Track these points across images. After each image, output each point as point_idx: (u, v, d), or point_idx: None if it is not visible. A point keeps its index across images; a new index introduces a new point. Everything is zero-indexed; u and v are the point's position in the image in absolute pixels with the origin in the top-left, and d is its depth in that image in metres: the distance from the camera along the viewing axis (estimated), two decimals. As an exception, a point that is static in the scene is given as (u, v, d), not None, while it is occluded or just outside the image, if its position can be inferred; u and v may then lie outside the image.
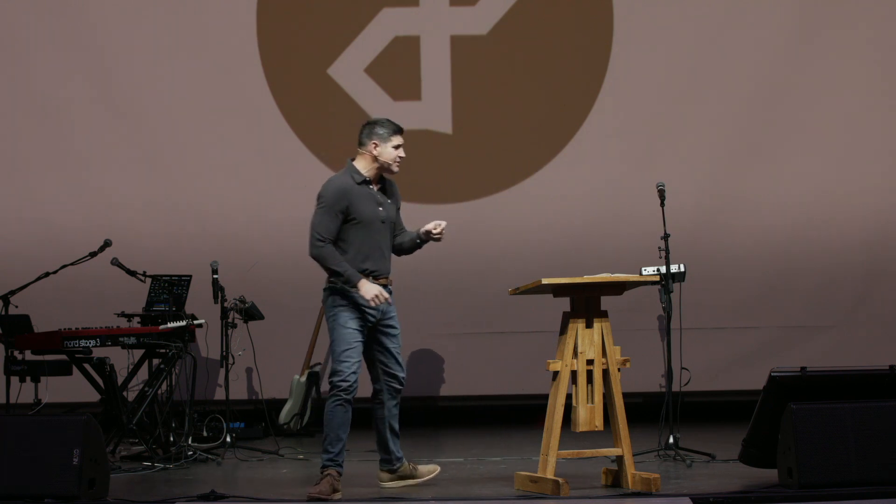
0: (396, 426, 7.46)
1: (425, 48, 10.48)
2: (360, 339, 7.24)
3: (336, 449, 7.18)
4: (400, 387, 7.41)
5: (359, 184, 7.31)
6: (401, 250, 7.54)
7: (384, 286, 7.25)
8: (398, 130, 7.38)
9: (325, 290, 7.32)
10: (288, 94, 10.47)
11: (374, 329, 7.32)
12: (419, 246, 7.53)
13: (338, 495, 7.11)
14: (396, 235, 7.49)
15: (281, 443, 9.19)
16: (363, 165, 7.37)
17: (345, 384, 7.16)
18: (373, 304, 7.13)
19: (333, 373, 7.22)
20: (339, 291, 7.24)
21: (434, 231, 7.39)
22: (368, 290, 7.13)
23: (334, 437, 7.19)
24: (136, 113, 10.39)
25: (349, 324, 7.21)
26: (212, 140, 10.42)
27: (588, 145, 10.43)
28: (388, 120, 7.43)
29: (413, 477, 7.50)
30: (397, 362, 7.39)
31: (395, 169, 7.38)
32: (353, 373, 7.18)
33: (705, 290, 10.00)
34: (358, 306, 7.22)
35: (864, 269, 10.36)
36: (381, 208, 7.32)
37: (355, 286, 7.14)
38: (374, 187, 7.36)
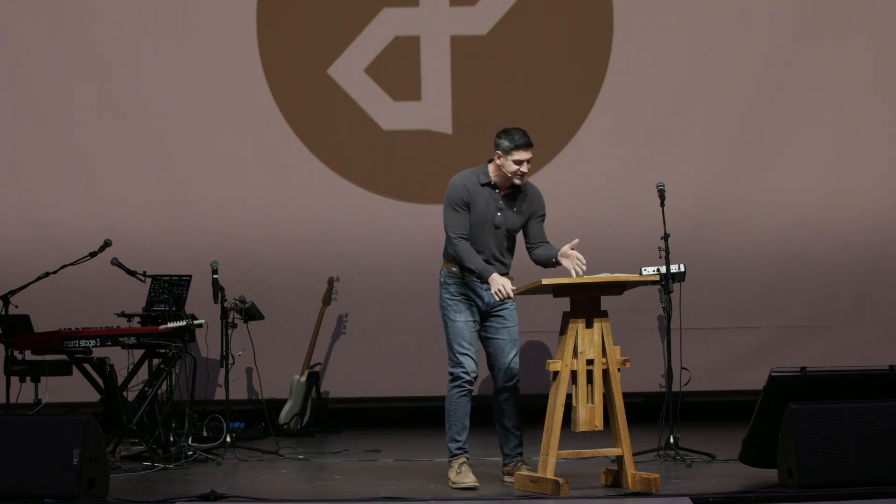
0: (508, 423, 7.56)
1: (425, 48, 10.48)
2: (475, 329, 7.47)
3: (463, 437, 7.49)
4: (507, 381, 7.51)
5: (482, 184, 7.43)
6: (538, 262, 7.61)
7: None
8: (522, 146, 7.38)
9: (439, 282, 7.56)
10: (288, 94, 10.47)
11: (485, 317, 7.48)
12: (555, 265, 7.55)
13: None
14: (533, 246, 7.58)
15: (281, 443, 9.19)
16: (493, 169, 7.49)
17: (467, 376, 7.41)
18: (496, 297, 7.25)
19: (455, 364, 7.42)
20: (451, 284, 7.45)
21: (569, 259, 7.38)
22: (494, 282, 7.26)
23: (461, 426, 7.48)
24: (136, 113, 10.39)
25: (459, 317, 7.43)
26: (212, 140, 10.42)
27: (588, 145, 10.42)
28: (519, 132, 7.42)
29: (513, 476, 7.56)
30: (507, 354, 7.49)
31: (517, 181, 7.44)
32: (475, 364, 7.43)
33: (705, 290, 10.00)
34: (469, 298, 7.42)
35: (864, 269, 10.35)
36: (499, 213, 7.44)
37: (486, 281, 7.31)
38: (500, 192, 7.44)
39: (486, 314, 7.52)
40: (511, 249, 7.57)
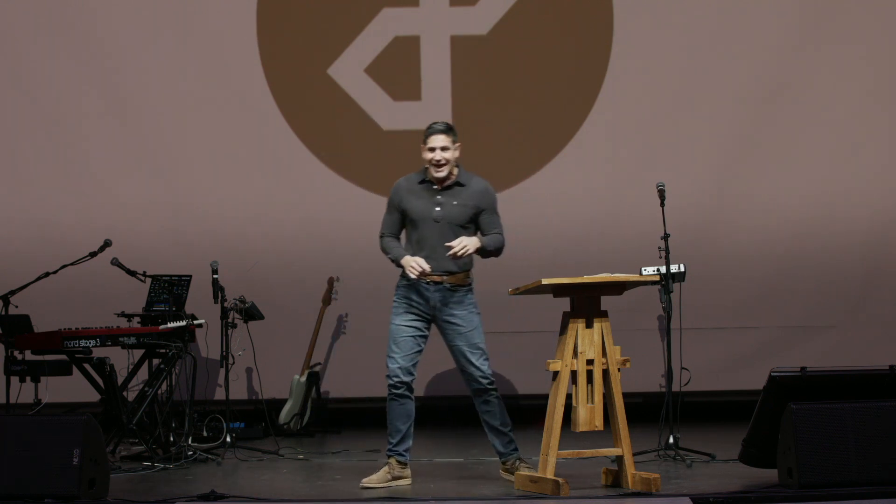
0: (493, 422, 7.53)
1: (425, 48, 10.49)
2: (411, 333, 7.46)
3: (394, 439, 7.51)
4: (478, 385, 7.47)
5: (419, 183, 7.43)
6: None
7: (438, 283, 7.38)
8: (431, 132, 7.41)
9: None
10: (288, 94, 10.47)
11: (440, 325, 7.46)
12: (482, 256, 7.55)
13: (404, 481, 7.44)
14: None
15: (281, 443, 9.19)
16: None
17: (390, 381, 7.47)
18: (411, 274, 7.30)
19: (387, 366, 7.49)
20: (399, 287, 7.48)
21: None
22: (406, 264, 7.34)
23: (392, 428, 7.51)
24: (136, 113, 10.40)
25: (396, 320, 7.48)
26: (212, 140, 10.42)
27: (588, 145, 10.43)
28: (434, 123, 7.47)
29: (512, 473, 7.53)
30: (468, 360, 7.44)
31: (435, 173, 7.42)
32: (400, 367, 7.44)
33: (705, 290, 10.00)
34: (410, 301, 7.42)
35: (863, 269, 10.36)
36: (437, 208, 7.40)
37: (401, 265, 7.39)
38: (438, 187, 7.42)
39: (438, 319, 7.46)
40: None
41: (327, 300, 10.18)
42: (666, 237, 8.43)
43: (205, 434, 9.27)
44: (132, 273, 9.02)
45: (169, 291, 9.26)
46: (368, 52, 10.48)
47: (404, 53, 10.48)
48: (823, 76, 10.36)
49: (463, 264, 7.44)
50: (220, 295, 9.01)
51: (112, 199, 10.36)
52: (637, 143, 10.40)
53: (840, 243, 10.32)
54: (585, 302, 7.20)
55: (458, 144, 7.48)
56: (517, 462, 7.56)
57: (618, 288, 7.32)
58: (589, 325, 7.17)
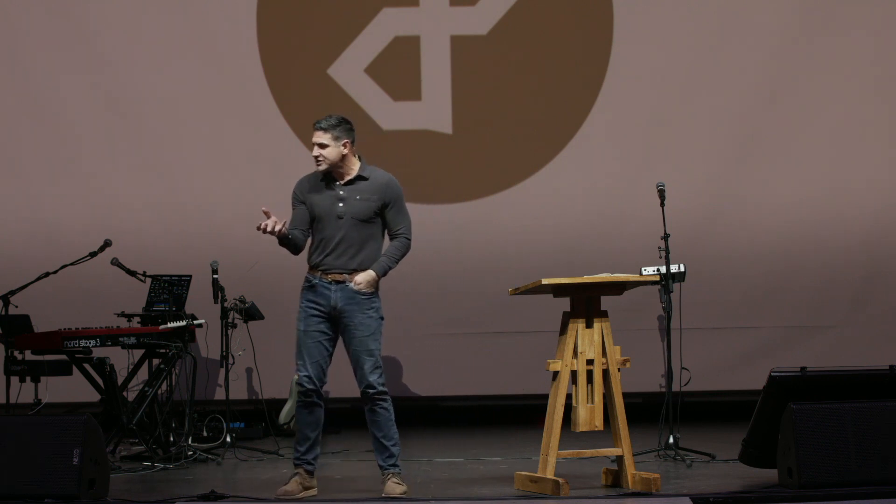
0: (376, 433, 7.20)
1: (425, 48, 10.49)
2: (315, 338, 7.24)
3: (303, 448, 7.22)
4: (364, 392, 7.17)
5: (321, 179, 7.25)
6: None
7: (340, 282, 7.14)
8: (314, 128, 7.21)
9: None
10: (288, 94, 10.47)
11: (339, 325, 7.20)
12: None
13: (310, 492, 7.18)
14: (390, 238, 7.31)
15: (281, 443, 9.20)
16: None
17: (301, 387, 7.23)
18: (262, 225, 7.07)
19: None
20: (303, 290, 7.29)
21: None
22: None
23: (301, 436, 7.25)
24: (136, 113, 10.40)
25: (300, 325, 7.29)
26: (212, 140, 10.42)
27: (588, 145, 10.43)
28: (319, 119, 7.26)
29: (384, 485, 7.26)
30: (359, 365, 7.19)
31: (317, 166, 7.22)
32: (306, 375, 7.21)
33: (705, 290, 10.01)
34: (312, 303, 7.22)
35: (864, 269, 10.36)
36: (340, 203, 7.18)
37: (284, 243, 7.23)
38: (340, 182, 7.22)
39: (338, 320, 7.22)
40: (367, 243, 7.19)
41: (327, 300, 10.17)
42: (666, 237, 8.44)
43: (205, 434, 9.27)
44: (132, 273, 9.03)
45: (169, 291, 9.26)
46: (368, 52, 10.48)
47: (404, 53, 10.47)
48: (824, 77, 10.36)
49: (368, 264, 7.17)
50: (220, 295, 9.02)
51: (112, 199, 10.35)
52: (637, 144, 10.40)
53: (840, 243, 10.32)
54: (585, 302, 7.20)
55: (344, 141, 7.19)
56: (390, 477, 7.17)
57: (618, 288, 7.32)
58: (589, 325, 7.17)
